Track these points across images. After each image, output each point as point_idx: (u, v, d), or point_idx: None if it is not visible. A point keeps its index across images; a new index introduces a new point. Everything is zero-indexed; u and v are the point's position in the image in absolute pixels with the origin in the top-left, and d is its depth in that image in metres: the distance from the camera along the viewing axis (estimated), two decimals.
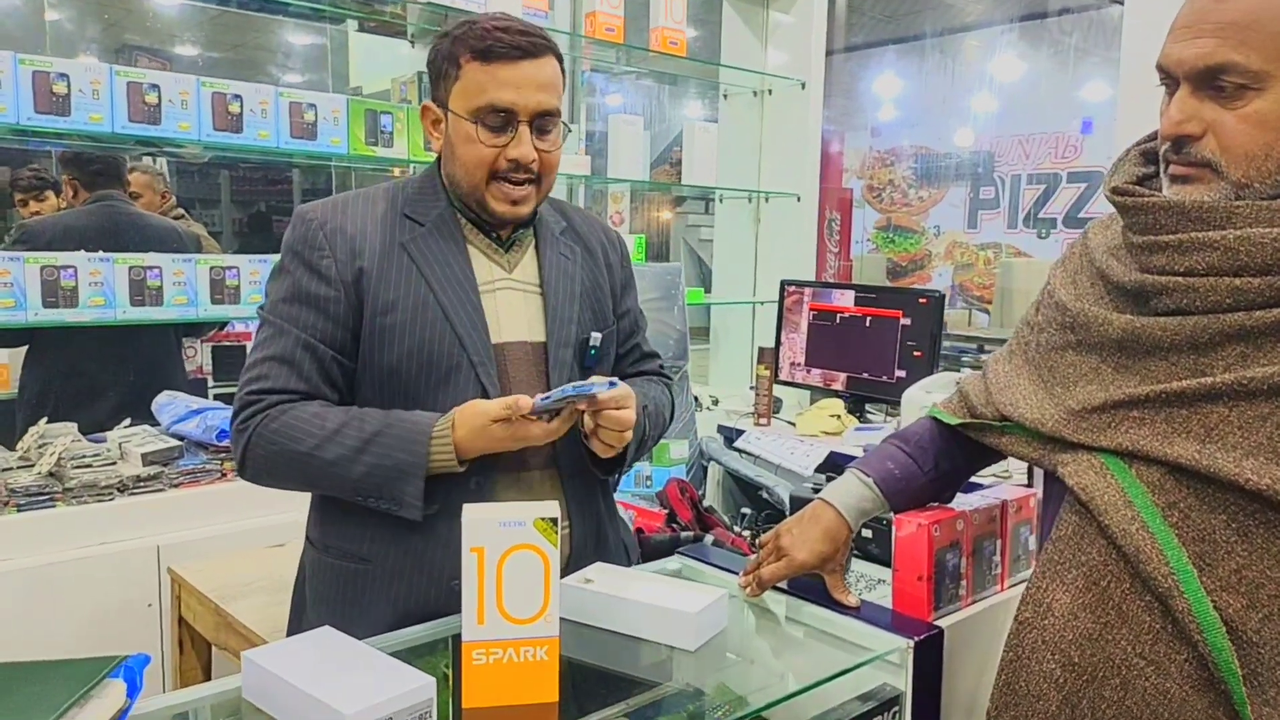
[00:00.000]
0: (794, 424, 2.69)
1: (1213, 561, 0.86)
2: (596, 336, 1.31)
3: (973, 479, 1.35)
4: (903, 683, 1.14)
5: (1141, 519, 0.89)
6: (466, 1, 2.23)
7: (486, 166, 1.20)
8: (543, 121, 1.21)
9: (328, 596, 1.25)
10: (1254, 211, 0.86)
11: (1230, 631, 0.85)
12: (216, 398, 2.82)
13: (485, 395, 1.19)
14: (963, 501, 1.29)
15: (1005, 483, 1.91)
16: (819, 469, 2.33)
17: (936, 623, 1.19)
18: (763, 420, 2.73)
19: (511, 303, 1.26)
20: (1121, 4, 2.27)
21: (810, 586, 1.24)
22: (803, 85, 3.11)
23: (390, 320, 1.19)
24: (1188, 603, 0.85)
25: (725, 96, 3.32)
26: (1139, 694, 0.88)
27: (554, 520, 0.96)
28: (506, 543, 0.95)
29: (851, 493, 1.21)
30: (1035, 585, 0.98)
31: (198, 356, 3.16)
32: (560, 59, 1.25)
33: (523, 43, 1.18)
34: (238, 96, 1.92)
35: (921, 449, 1.22)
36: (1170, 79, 0.91)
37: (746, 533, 2.09)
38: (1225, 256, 0.87)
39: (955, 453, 1.20)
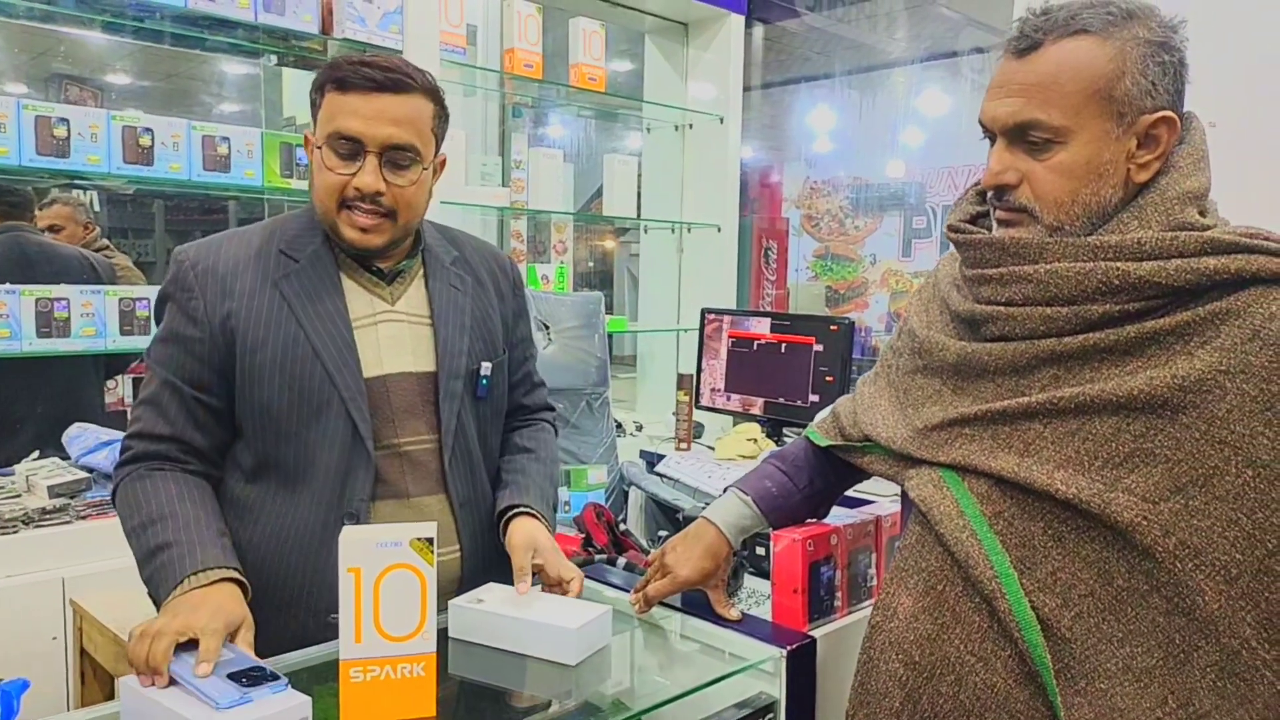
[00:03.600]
0: (713, 448, 2.76)
1: (1032, 565, 0.94)
2: (487, 367, 1.34)
3: (873, 498, 1.42)
4: (777, 690, 1.20)
5: (971, 527, 0.96)
6: (383, 38, 2.28)
7: (335, 194, 1.21)
8: (394, 155, 1.21)
9: None
10: (1063, 248, 0.95)
11: (1045, 629, 0.92)
12: None
13: (356, 429, 1.22)
14: (840, 516, 1.36)
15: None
16: None
17: (811, 633, 1.25)
18: (683, 445, 2.79)
19: (395, 335, 1.28)
20: None
21: (698, 601, 1.30)
22: (721, 120, 3.22)
23: (261, 358, 1.21)
24: (1009, 603, 0.93)
25: (649, 130, 3.42)
26: (970, 689, 0.95)
27: (430, 540, 1.00)
28: (383, 562, 0.99)
29: (731, 511, 1.27)
30: (885, 591, 1.05)
31: (119, 388, 3.12)
32: (437, 100, 1.26)
33: (379, 77, 1.19)
34: (149, 130, 1.94)
35: (797, 468, 1.29)
36: (990, 133, 1.00)
37: None
38: (1038, 288, 0.95)
39: (828, 471, 1.28)
